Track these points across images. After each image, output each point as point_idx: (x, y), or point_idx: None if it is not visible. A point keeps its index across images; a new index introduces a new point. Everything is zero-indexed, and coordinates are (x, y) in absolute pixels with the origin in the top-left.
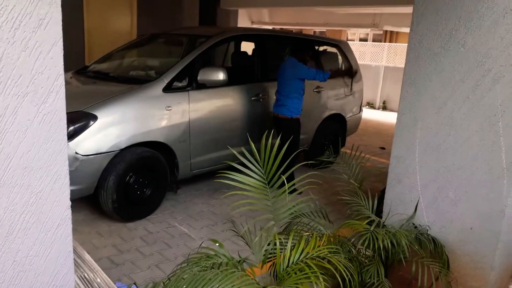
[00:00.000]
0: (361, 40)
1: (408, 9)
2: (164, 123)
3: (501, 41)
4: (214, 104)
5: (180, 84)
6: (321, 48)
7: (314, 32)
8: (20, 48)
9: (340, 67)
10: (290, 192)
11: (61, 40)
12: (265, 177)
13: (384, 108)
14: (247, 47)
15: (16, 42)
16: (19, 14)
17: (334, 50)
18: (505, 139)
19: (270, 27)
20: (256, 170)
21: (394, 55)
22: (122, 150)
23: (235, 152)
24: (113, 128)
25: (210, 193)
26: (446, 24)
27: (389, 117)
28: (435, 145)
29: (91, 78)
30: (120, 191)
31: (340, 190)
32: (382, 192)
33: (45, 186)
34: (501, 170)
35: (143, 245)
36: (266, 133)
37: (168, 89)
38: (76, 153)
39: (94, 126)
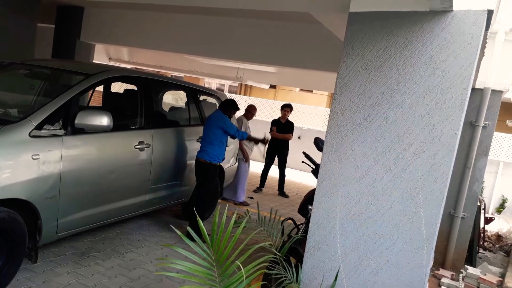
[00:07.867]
0: (217, 89)
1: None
2: (28, 175)
3: (421, 120)
4: (92, 153)
5: (52, 128)
6: (202, 98)
7: (171, 76)
8: None
9: None
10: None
11: None
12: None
13: None
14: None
15: None
16: None
17: (213, 100)
18: (425, 211)
19: (128, 66)
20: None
21: None
22: None
23: (178, 232)
24: None
25: (76, 258)
26: (369, 98)
27: (251, 167)
28: (357, 213)
29: None
30: None
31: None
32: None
33: None
34: (421, 240)
35: None
36: (219, 208)
37: (36, 133)
38: None
39: None
